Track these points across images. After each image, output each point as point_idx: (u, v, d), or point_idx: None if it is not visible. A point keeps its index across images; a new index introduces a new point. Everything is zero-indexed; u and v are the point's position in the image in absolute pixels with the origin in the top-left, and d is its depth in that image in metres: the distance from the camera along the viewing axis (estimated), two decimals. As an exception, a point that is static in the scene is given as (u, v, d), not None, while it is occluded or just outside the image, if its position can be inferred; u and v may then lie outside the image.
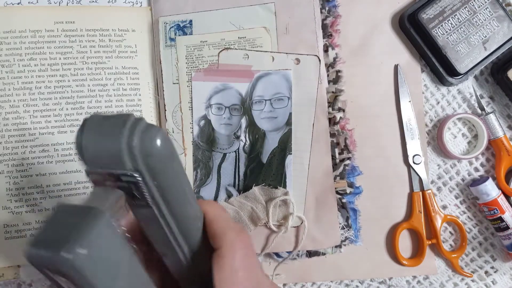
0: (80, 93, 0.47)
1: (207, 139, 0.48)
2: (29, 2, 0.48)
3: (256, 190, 0.47)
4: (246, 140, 0.48)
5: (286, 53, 0.48)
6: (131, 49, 0.49)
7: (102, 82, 0.48)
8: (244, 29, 0.48)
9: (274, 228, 0.47)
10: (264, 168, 0.47)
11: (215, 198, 0.48)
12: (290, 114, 0.47)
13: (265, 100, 0.48)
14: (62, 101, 0.47)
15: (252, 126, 0.48)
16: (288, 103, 0.48)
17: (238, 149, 0.48)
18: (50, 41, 0.47)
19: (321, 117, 0.48)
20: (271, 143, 0.48)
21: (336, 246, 0.48)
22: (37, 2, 0.48)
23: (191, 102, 0.48)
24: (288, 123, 0.47)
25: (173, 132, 0.48)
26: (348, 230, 0.48)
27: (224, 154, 0.48)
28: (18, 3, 0.48)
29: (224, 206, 0.47)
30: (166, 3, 0.49)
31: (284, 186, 0.47)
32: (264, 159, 0.48)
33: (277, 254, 0.48)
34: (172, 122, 0.48)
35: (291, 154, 0.47)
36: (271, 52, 0.48)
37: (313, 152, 0.47)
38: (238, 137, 0.48)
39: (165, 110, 0.49)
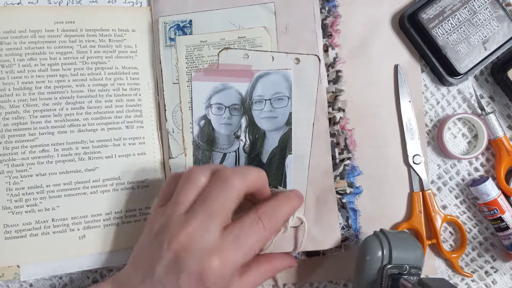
0: (80, 93, 0.47)
1: (207, 139, 0.48)
2: (29, 2, 0.48)
3: (256, 190, 0.47)
4: (246, 140, 0.48)
5: (286, 53, 0.48)
6: (131, 49, 0.49)
7: (102, 82, 0.48)
8: (244, 29, 0.48)
9: (274, 228, 0.47)
10: (264, 168, 0.47)
11: (215, 198, 0.48)
12: (290, 114, 0.47)
13: (265, 99, 0.48)
14: (62, 101, 0.47)
15: (252, 126, 0.48)
16: (288, 102, 0.48)
17: (238, 149, 0.48)
18: (50, 41, 0.47)
19: (321, 117, 0.48)
20: (271, 143, 0.48)
21: (336, 246, 0.48)
22: (37, 2, 0.48)
23: (191, 102, 0.48)
24: (288, 123, 0.47)
25: (173, 132, 0.48)
26: (348, 230, 0.48)
27: (224, 154, 0.48)
28: (18, 3, 0.48)
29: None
30: (166, 3, 0.49)
31: (284, 186, 0.47)
32: (264, 159, 0.48)
33: (277, 254, 0.48)
34: (172, 122, 0.48)
35: (291, 154, 0.47)
36: (271, 51, 0.48)
37: (313, 152, 0.47)
38: (238, 137, 0.48)
39: (165, 110, 0.49)
